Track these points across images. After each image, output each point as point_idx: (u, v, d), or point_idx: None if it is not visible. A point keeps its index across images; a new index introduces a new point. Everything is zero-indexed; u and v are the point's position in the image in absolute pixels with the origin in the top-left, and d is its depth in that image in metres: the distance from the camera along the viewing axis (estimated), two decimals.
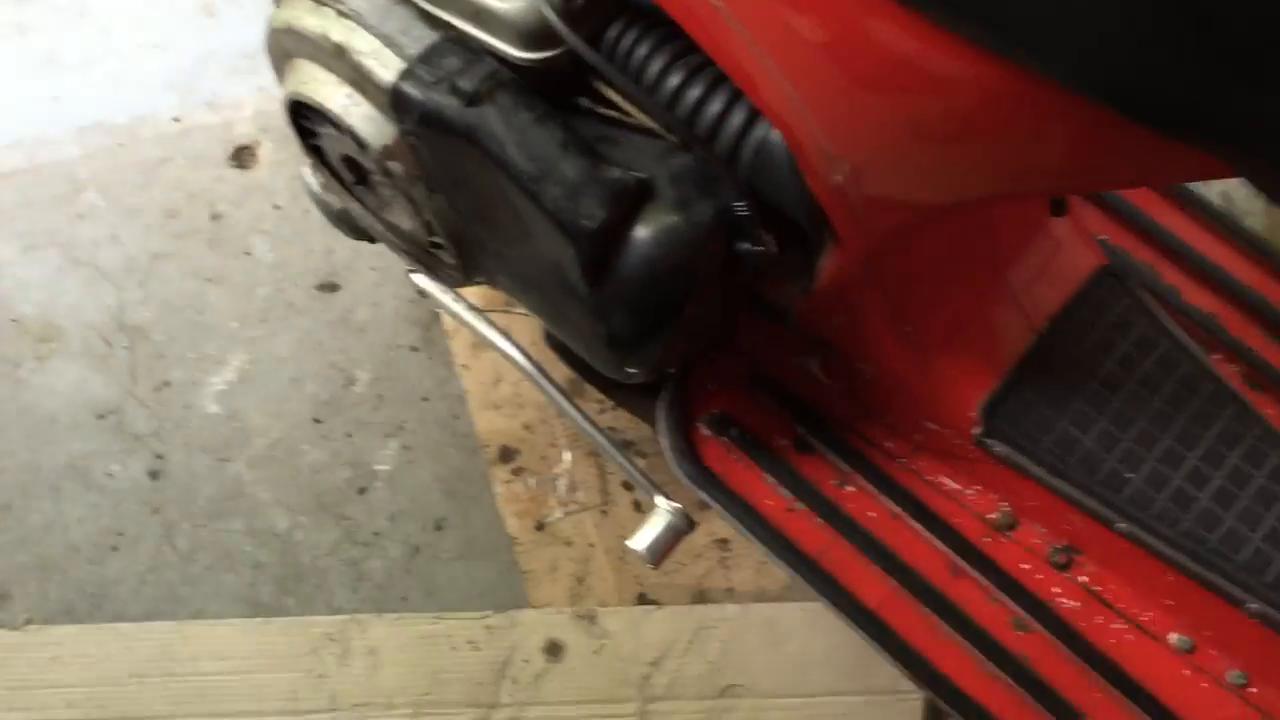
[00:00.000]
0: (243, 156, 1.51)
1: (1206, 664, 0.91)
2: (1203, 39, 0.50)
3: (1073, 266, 0.98)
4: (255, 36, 1.57)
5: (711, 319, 0.90)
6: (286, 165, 1.49)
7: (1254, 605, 0.87)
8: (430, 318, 1.43)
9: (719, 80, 0.79)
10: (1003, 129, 0.64)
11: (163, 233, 1.45)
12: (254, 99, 1.54)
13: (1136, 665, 0.91)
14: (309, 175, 1.13)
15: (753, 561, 1.33)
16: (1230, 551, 0.88)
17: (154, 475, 1.33)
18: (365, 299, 1.44)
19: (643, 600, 1.32)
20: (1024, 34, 0.56)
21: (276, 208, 1.48)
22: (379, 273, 1.44)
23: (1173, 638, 0.92)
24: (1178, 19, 0.49)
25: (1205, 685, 0.91)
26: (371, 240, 1.14)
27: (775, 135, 0.77)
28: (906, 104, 0.67)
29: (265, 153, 1.51)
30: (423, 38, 0.82)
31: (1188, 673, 0.91)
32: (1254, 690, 0.90)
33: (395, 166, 0.87)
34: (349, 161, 0.95)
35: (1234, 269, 1.07)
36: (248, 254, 1.45)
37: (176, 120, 1.52)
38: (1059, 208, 0.92)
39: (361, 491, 1.34)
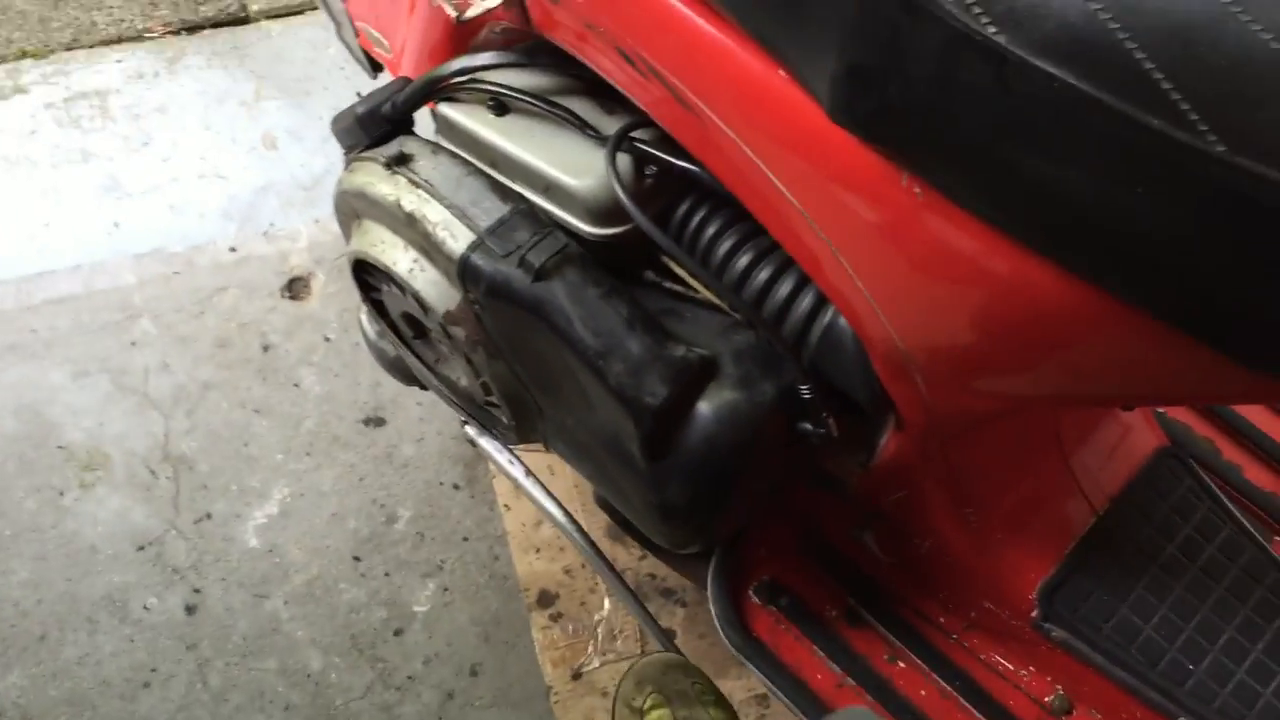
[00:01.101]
0: (296, 287, 1.53)
1: None
2: None
3: (1135, 446, 0.97)
4: (314, 169, 1.63)
5: (767, 491, 0.90)
6: (338, 297, 1.51)
7: None
8: (474, 456, 1.42)
9: (787, 263, 0.79)
10: (1077, 341, 0.63)
11: (213, 362, 1.47)
12: (309, 230, 1.56)
13: None
14: (366, 321, 1.14)
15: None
16: None
17: (190, 610, 1.32)
18: (410, 434, 1.44)
19: None
20: (1125, 272, 0.56)
21: (327, 339, 1.49)
22: (424, 408, 1.45)
23: None
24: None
25: None
26: (423, 387, 1.14)
27: (843, 320, 0.77)
28: (979, 301, 0.66)
29: (318, 284, 1.53)
30: (493, 210, 0.83)
31: None
32: None
33: (457, 331, 0.88)
34: (409, 318, 0.96)
35: None
36: (296, 385, 1.46)
37: (233, 250, 1.54)
38: (1129, 405, 0.91)
39: (398, 633, 1.32)
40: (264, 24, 1.76)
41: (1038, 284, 0.61)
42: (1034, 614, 0.91)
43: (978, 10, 0.52)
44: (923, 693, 0.97)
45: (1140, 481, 0.95)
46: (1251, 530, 0.95)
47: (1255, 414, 1.07)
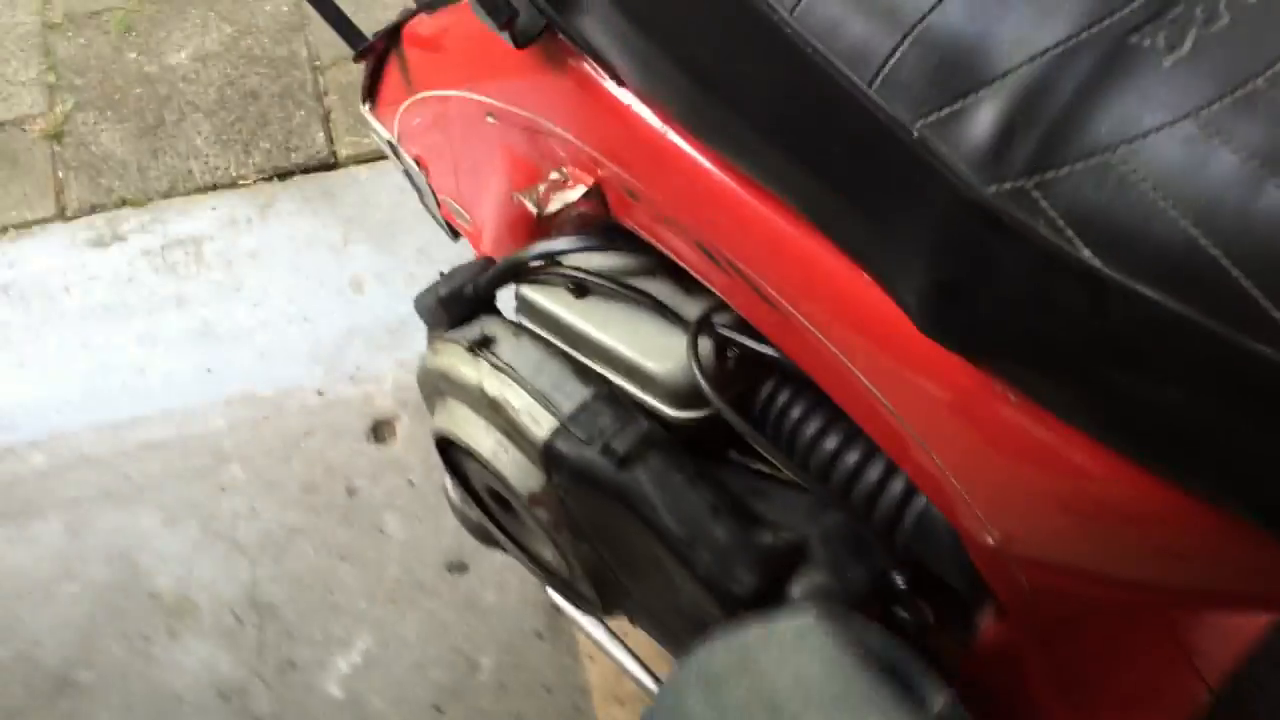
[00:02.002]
0: (381, 431, 1.54)
1: None
2: None
3: (1248, 620, 0.92)
4: (399, 312, 1.65)
5: None
6: (422, 441, 1.52)
7: None
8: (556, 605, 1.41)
9: (874, 450, 0.78)
10: (1178, 550, 0.61)
11: (300, 507, 1.48)
12: (394, 373, 1.58)
13: None
14: (450, 487, 1.14)
15: None
16: None
17: None
18: (492, 581, 1.43)
19: None
20: (1211, 481, 0.54)
21: (410, 484, 1.50)
22: (506, 555, 1.44)
23: None
24: None
25: None
26: (504, 550, 1.14)
27: (935, 508, 0.75)
28: (1079, 507, 0.64)
29: (403, 427, 1.54)
30: (575, 394, 0.82)
31: None
32: None
33: (540, 512, 0.87)
34: (493, 491, 0.96)
35: None
36: (380, 531, 1.46)
37: (320, 394, 1.57)
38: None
39: None
40: (352, 169, 1.80)
41: (1134, 489, 0.58)
42: None
43: (1071, 233, 0.51)
44: None
45: (1258, 657, 0.90)
46: None
47: None
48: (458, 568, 1.44)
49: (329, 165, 1.81)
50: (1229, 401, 0.50)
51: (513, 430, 0.84)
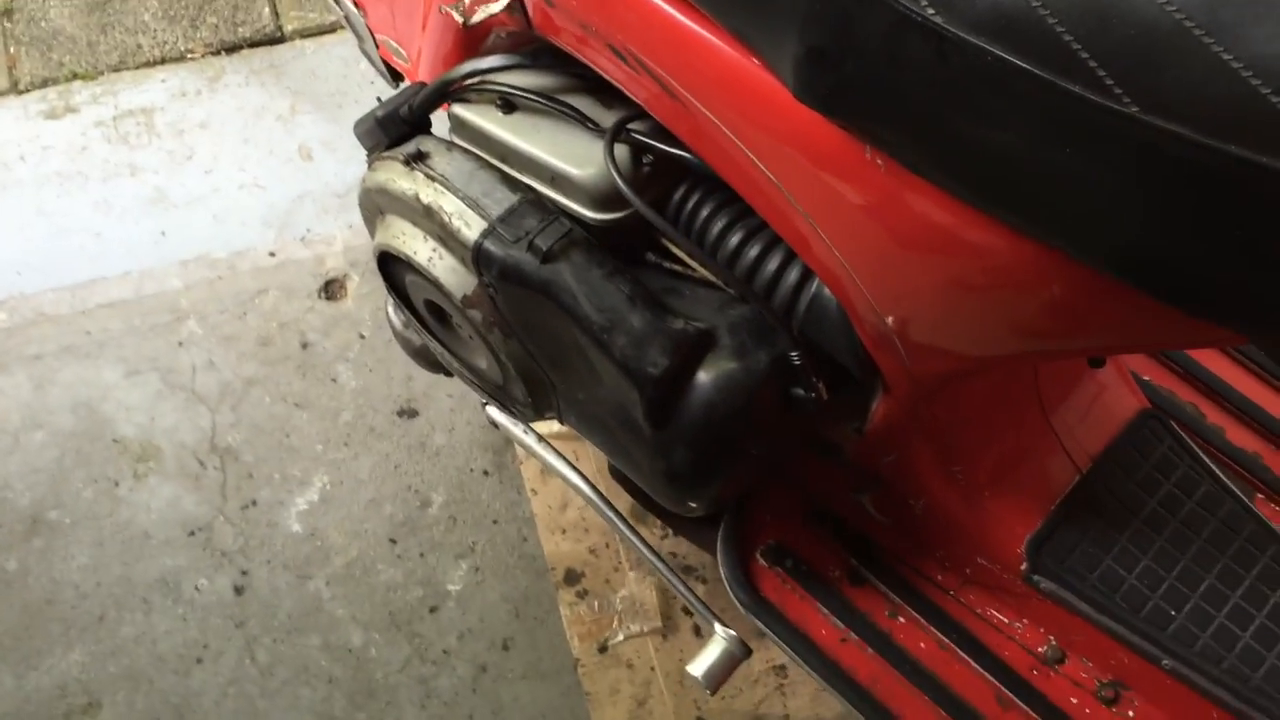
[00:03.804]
0: (332, 289, 1.61)
1: None
2: (1231, 239, 0.55)
3: (1116, 408, 1.02)
4: (347, 178, 1.71)
5: (767, 457, 0.96)
6: (371, 298, 1.59)
7: None
8: (503, 444, 1.50)
9: (775, 240, 0.86)
10: (1032, 298, 0.69)
11: (255, 359, 1.55)
12: (344, 235, 1.65)
13: None
14: (393, 314, 1.22)
15: (809, 689, 1.36)
16: (1274, 690, 0.90)
17: (239, 590, 1.40)
18: (441, 425, 1.51)
19: None
20: (1063, 227, 0.62)
21: (361, 337, 1.57)
22: (455, 400, 1.52)
23: None
24: (1217, 224, 0.55)
25: None
26: (448, 374, 1.22)
27: (827, 290, 0.83)
28: (942, 267, 0.72)
29: (353, 285, 1.61)
30: (503, 200, 0.90)
31: None
32: None
33: (474, 314, 0.95)
34: (431, 305, 1.04)
35: (1276, 410, 1.10)
36: (334, 380, 1.54)
37: (272, 255, 1.63)
38: (1097, 361, 0.97)
39: (433, 610, 1.40)
40: (298, 43, 1.85)
41: (991, 245, 0.67)
42: (1023, 567, 0.97)
43: None
44: (922, 645, 1.03)
45: (1122, 441, 1.01)
46: (1232, 487, 1.00)
47: (1239, 379, 1.12)
48: (408, 413, 1.53)
49: (275, 39, 1.85)
50: (1054, 141, 0.58)
51: (446, 235, 0.91)
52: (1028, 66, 0.56)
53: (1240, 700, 0.90)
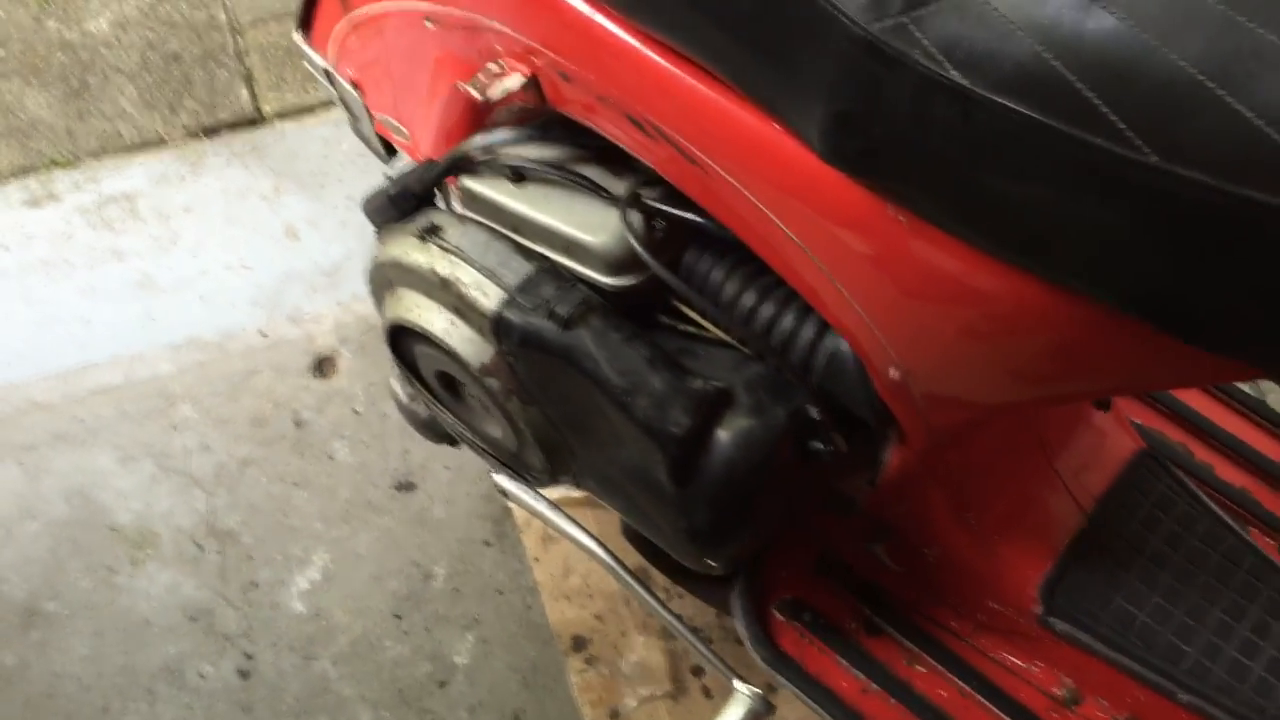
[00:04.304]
0: (324, 366, 1.62)
1: None
2: (1245, 275, 0.59)
3: (1115, 450, 1.05)
4: (333, 256, 1.73)
5: (785, 511, 0.98)
6: (364, 373, 1.60)
7: None
8: (502, 513, 1.50)
9: (790, 297, 0.89)
10: (1051, 342, 0.72)
11: (250, 440, 1.55)
12: (333, 312, 1.66)
13: None
14: (397, 387, 1.23)
15: None
16: None
17: (244, 675, 1.39)
18: (440, 497, 1.52)
19: None
20: (1088, 270, 0.65)
21: (356, 413, 1.58)
22: (452, 471, 1.53)
23: None
24: (1232, 262, 0.58)
25: None
26: (454, 444, 1.23)
27: (844, 345, 0.86)
28: (963, 316, 0.75)
29: (344, 362, 1.62)
30: (519, 269, 0.92)
31: None
32: None
33: (492, 382, 0.96)
34: (442, 376, 1.05)
35: (1261, 445, 1.14)
36: (330, 457, 1.54)
37: (263, 334, 1.64)
38: (1104, 404, 1.00)
39: (442, 685, 1.39)
40: (278, 124, 1.87)
41: (1015, 293, 0.70)
42: (1037, 610, 0.99)
43: (941, 58, 0.62)
44: (942, 693, 1.04)
45: (1122, 482, 1.04)
46: (1229, 522, 1.03)
47: (1224, 418, 1.16)
48: (406, 487, 1.53)
49: (254, 121, 1.88)
50: (1078, 191, 0.61)
51: (463, 306, 0.93)
52: (1051, 122, 0.59)
53: None
